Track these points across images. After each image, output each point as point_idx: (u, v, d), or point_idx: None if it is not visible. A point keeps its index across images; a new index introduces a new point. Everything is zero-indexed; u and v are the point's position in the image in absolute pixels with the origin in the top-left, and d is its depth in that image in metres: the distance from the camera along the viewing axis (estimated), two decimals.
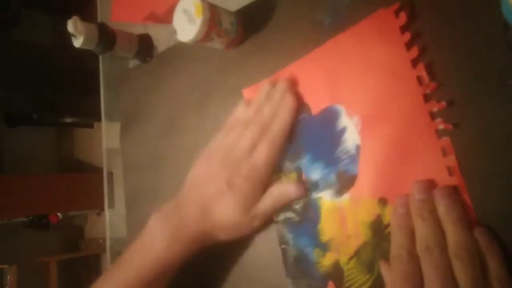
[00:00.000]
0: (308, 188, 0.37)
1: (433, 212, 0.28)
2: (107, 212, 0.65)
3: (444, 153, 0.29)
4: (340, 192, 0.35)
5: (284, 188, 0.37)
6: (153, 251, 0.36)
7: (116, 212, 0.64)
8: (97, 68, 0.70)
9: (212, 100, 0.48)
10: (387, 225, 0.32)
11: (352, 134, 0.35)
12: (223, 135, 0.40)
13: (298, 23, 0.40)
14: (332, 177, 0.36)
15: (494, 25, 0.28)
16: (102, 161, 0.67)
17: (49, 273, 2.25)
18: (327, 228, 0.35)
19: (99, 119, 0.69)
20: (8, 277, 2.08)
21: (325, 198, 0.36)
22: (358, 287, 0.33)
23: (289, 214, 0.38)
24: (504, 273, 0.26)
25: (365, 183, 0.33)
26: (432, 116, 0.30)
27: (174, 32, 0.41)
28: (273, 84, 0.40)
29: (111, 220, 0.65)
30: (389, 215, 0.32)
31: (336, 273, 0.35)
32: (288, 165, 0.39)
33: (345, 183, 0.35)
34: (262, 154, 0.37)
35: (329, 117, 0.36)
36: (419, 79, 0.31)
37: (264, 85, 0.40)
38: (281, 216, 0.38)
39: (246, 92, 0.44)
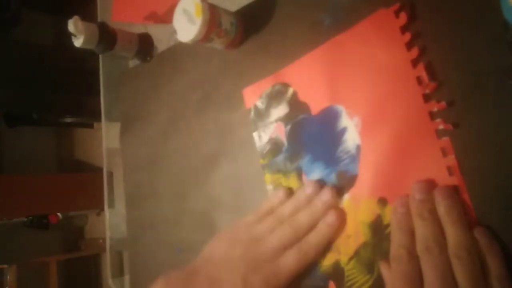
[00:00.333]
0: None
1: (433, 212, 0.28)
2: (107, 212, 0.65)
3: (444, 153, 0.29)
4: (340, 192, 0.35)
5: None
6: None
7: (116, 212, 0.64)
8: (97, 68, 0.70)
9: (212, 100, 0.48)
10: (387, 225, 0.32)
11: (352, 134, 0.35)
12: (254, 219, 0.38)
13: (298, 23, 0.40)
14: (332, 177, 0.36)
15: (494, 25, 0.28)
16: (102, 161, 0.67)
17: (49, 273, 2.25)
18: None
19: (99, 119, 0.69)
20: (8, 277, 2.08)
21: None
22: (359, 287, 0.33)
23: None
24: (504, 273, 0.26)
25: (365, 183, 0.33)
26: (432, 116, 0.30)
27: (174, 32, 0.41)
28: (317, 188, 0.36)
29: (111, 220, 0.65)
30: (389, 215, 0.32)
31: (337, 273, 0.35)
32: (288, 165, 0.39)
33: (345, 183, 0.35)
34: (290, 265, 0.34)
35: (330, 117, 0.36)
36: (419, 79, 0.31)
37: (309, 184, 0.37)
38: None
39: (246, 92, 0.44)
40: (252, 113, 0.43)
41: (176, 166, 0.51)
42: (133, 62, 0.61)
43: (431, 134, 0.30)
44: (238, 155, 0.44)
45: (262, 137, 0.42)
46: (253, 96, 0.43)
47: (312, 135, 0.38)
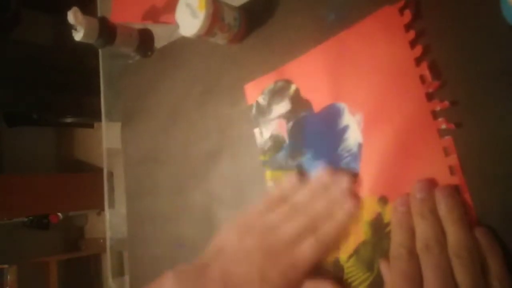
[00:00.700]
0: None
1: (434, 211, 0.28)
2: (107, 212, 0.65)
3: (446, 152, 0.29)
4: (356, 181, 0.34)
5: None
6: None
7: (116, 212, 0.64)
8: (97, 68, 0.70)
9: (213, 95, 0.48)
10: (387, 224, 0.32)
11: (354, 132, 0.35)
12: (266, 207, 0.37)
13: (301, 19, 0.40)
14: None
15: (498, 24, 0.28)
16: (102, 161, 0.67)
17: (49, 273, 2.25)
18: None
19: (99, 119, 0.69)
20: (8, 277, 2.08)
21: None
22: (358, 285, 0.33)
23: None
24: (505, 273, 0.26)
25: (366, 181, 0.33)
26: (435, 115, 0.30)
27: (177, 26, 0.41)
28: (333, 174, 0.36)
29: (111, 220, 0.65)
30: (389, 214, 0.32)
31: (336, 270, 0.35)
32: (289, 162, 0.39)
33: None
34: (307, 254, 0.32)
35: (332, 114, 0.36)
36: (422, 78, 0.31)
37: (324, 172, 0.36)
38: None
39: (248, 88, 0.44)
40: (254, 109, 0.43)
41: (176, 161, 0.51)
42: (133, 60, 0.61)
43: (433, 133, 0.30)
44: (239, 151, 0.44)
45: (263, 134, 0.42)
46: (255, 92, 0.43)
47: (314, 132, 0.38)
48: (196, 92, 0.50)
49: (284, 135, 0.40)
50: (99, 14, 0.72)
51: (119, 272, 0.63)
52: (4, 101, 1.73)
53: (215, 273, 0.33)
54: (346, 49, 0.36)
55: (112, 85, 0.68)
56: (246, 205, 0.43)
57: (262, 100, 0.42)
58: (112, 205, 0.65)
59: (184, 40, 0.52)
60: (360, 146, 0.34)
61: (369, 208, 0.33)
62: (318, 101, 0.38)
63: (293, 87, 0.39)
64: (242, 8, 0.44)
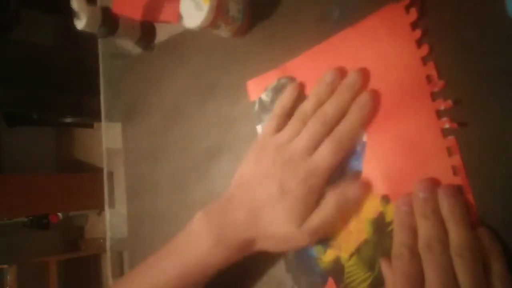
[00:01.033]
0: None
1: (436, 211, 0.28)
2: (107, 212, 0.65)
3: (449, 152, 0.29)
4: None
5: (342, 195, 0.32)
6: (195, 253, 0.34)
7: (116, 212, 0.64)
8: (97, 68, 0.70)
9: (215, 91, 0.47)
10: (389, 223, 0.32)
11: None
12: (273, 127, 0.36)
13: (305, 15, 0.39)
14: (336, 172, 0.35)
15: (503, 23, 0.28)
16: (102, 161, 0.67)
17: (49, 273, 2.25)
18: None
19: (99, 119, 0.69)
20: (8, 277, 2.08)
21: None
22: (358, 284, 0.33)
23: None
24: (506, 273, 0.25)
25: (369, 179, 0.33)
26: (439, 114, 0.30)
27: (181, 18, 0.41)
28: (339, 73, 0.34)
29: (111, 220, 0.65)
30: (392, 213, 0.31)
31: (337, 269, 0.34)
32: None
33: (349, 179, 0.34)
34: (327, 157, 0.32)
35: None
36: (428, 77, 0.31)
37: (328, 73, 0.34)
38: None
39: (250, 84, 0.43)
40: (257, 106, 0.42)
41: (177, 158, 0.51)
42: (134, 56, 0.61)
43: (437, 133, 0.30)
44: (241, 148, 0.44)
45: None
46: (258, 88, 0.43)
47: None
48: (197, 89, 0.49)
49: None
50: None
51: (119, 272, 0.63)
52: (4, 101, 1.73)
53: (239, 201, 0.34)
54: (350, 46, 0.35)
55: (112, 85, 0.68)
56: None
57: (265, 97, 0.42)
58: (112, 205, 0.65)
59: (185, 36, 0.51)
60: (363, 144, 0.34)
61: (371, 207, 0.33)
62: None
63: (301, 89, 0.39)
64: (246, 1, 0.44)
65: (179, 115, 0.51)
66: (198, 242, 0.34)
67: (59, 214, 2.43)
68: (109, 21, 0.52)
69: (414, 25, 0.32)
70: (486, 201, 0.28)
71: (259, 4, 0.43)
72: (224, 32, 0.43)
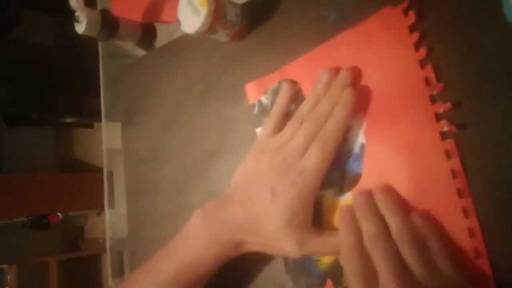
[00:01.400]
0: None
1: (376, 211, 0.30)
2: (107, 212, 0.65)
3: (448, 155, 0.29)
4: (343, 190, 0.35)
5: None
6: (190, 250, 0.35)
7: (116, 212, 0.64)
8: (97, 68, 0.70)
9: (214, 94, 0.48)
10: None
11: (357, 132, 0.34)
12: (271, 127, 0.37)
13: (303, 18, 0.40)
14: (336, 175, 0.35)
15: (500, 25, 0.28)
16: (102, 161, 0.67)
17: (49, 273, 2.25)
18: (328, 226, 0.35)
19: (99, 119, 0.69)
20: (8, 277, 2.08)
21: (328, 196, 0.36)
22: None
23: None
24: (444, 249, 0.28)
25: (368, 182, 0.33)
26: (438, 117, 0.30)
27: (178, 23, 0.41)
28: (334, 72, 0.35)
29: (111, 220, 0.65)
30: None
31: (335, 271, 0.35)
32: None
33: (348, 181, 0.34)
34: (313, 158, 0.32)
35: None
36: (427, 80, 0.31)
37: (324, 73, 0.35)
38: None
39: (249, 87, 0.44)
40: (256, 108, 0.43)
41: (177, 160, 0.51)
42: (134, 58, 0.61)
43: (435, 135, 0.30)
44: (240, 150, 0.44)
45: None
46: (257, 91, 0.43)
47: None
48: (196, 91, 0.50)
49: None
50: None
51: (119, 272, 0.63)
52: (4, 101, 1.73)
53: (235, 200, 0.35)
54: (348, 49, 0.36)
55: (112, 85, 0.68)
56: None
57: (265, 99, 0.42)
58: (112, 205, 0.65)
59: (184, 39, 0.52)
60: (363, 147, 0.34)
61: None
62: None
63: (296, 88, 0.39)
64: (244, 5, 0.44)
65: (178, 116, 0.52)
66: (193, 240, 0.35)
67: (59, 214, 2.43)
68: (109, 24, 0.52)
69: (412, 28, 0.32)
70: (486, 204, 0.28)
71: (257, 8, 0.44)
72: (222, 36, 0.43)
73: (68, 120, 2.15)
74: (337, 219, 0.35)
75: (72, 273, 2.43)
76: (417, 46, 0.31)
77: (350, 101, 0.33)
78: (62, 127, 2.53)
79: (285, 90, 0.38)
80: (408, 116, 0.31)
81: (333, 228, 0.35)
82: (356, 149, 0.34)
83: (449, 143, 0.29)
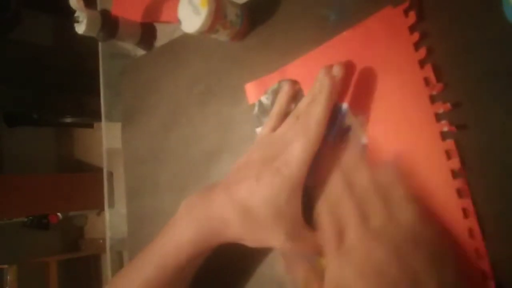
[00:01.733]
0: None
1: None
2: (107, 212, 0.65)
3: (448, 155, 0.29)
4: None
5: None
6: (173, 239, 0.35)
7: (116, 212, 0.64)
8: (97, 68, 0.70)
9: (214, 94, 0.48)
10: None
11: (357, 132, 0.34)
12: (270, 126, 0.38)
13: (303, 18, 0.40)
14: None
15: (501, 25, 0.28)
16: (102, 161, 0.67)
17: (49, 273, 2.25)
18: None
19: (99, 119, 0.69)
20: (8, 277, 2.08)
21: None
22: None
23: None
24: (405, 198, 0.29)
25: None
26: (438, 117, 0.30)
27: (179, 23, 0.41)
28: (330, 68, 0.35)
29: (111, 220, 0.65)
30: None
31: None
32: None
33: None
34: (295, 149, 0.32)
35: (334, 115, 0.36)
36: (426, 80, 0.31)
37: (321, 71, 0.35)
38: None
39: (249, 87, 0.44)
40: (256, 108, 0.43)
41: (176, 160, 0.51)
42: (133, 58, 0.61)
43: (435, 136, 0.30)
44: (240, 150, 0.44)
45: None
46: (257, 91, 0.43)
47: None
48: (196, 91, 0.50)
49: None
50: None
51: None
52: (4, 101, 1.73)
53: (219, 187, 0.35)
54: (349, 49, 0.36)
55: (112, 85, 0.68)
56: None
57: (265, 99, 0.42)
58: (112, 205, 0.65)
59: (184, 39, 0.52)
60: (364, 147, 0.34)
61: None
62: None
63: (297, 87, 0.39)
64: (245, 5, 0.44)
65: (179, 116, 0.52)
66: (175, 227, 0.36)
67: (59, 214, 2.43)
68: (109, 25, 0.52)
69: (412, 28, 0.32)
70: (486, 204, 0.28)
71: (257, 8, 0.44)
72: (222, 36, 0.43)
73: (68, 120, 2.15)
74: None
75: (72, 273, 2.43)
76: (417, 46, 0.31)
77: (328, 86, 0.33)
78: (62, 127, 2.53)
79: (285, 89, 0.39)
80: (408, 116, 0.31)
81: None
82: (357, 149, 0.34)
83: (449, 143, 0.29)
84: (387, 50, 0.33)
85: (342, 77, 0.34)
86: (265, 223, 0.32)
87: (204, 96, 0.49)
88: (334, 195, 0.31)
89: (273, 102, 0.41)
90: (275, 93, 0.41)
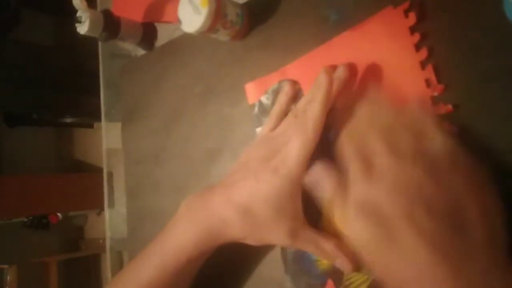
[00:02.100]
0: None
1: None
2: (107, 212, 0.65)
3: None
4: None
5: (332, 253, 0.32)
6: (173, 238, 0.35)
7: (116, 212, 0.64)
8: (97, 68, 0.70)
9: (214, 93, 0.48)
10: None
11: None
12: (270, 126, 0.38)
13: (303, 18, 0.40)
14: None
15: (501, 25, 0.28)
16: (102, 161, 0.67)
17: (49, 273, 2.25)
18: (328, 226, 0.35)
19: (99, 119, 0.69)
20: (8, 277, 2.08)
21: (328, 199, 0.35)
22: (357, 286, 0.33)
23: None
24: (440, 133, 0.27)
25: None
26: (440, 119, 0.30)
27: (179, 23, 0.41)
28: (333, 70, 0.35)
29: (111, 220, 0.65)
30: None
31: (336, 271, 0.34)
32: None
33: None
34: (292, 148, 0.32)
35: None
36: (427, 81, 0.31)
37: (322, 71, 0.34)
38: None
39: (249, 87, 0.44)
40: (256, 108, 0.43)
41: (177, 160, 0.51)
42: (134, 58, 0.61)
43: None
44: (240, 150, 0.44)
45: None
46: (257, 91, 0.43)
47: None
48: (197, 91, 0.50)
49: None
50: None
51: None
52: (4, 101, 1.73)
53: (218, 187, 0.35)
54: (349, 49, 0.36)
55: (112, 85, 0.68)
56: None
57: (265, 99, 0.42)
58: (112, 205, 0.65)
59: (185, 38, 0.52)
60: None
61: None
62: None
63: (297, 88, 0.39)
64: (245, 5, 0.44)
65: (179, 116, 0.52)
66: (175, 227, 0.36)
67: (59, 214, 2.43)
68: (111, 25, 0.52)
69: (412, 29, 0.32)
70: None
71: (258, 7, 0.44)
72: (223, 36, 0.43)
73: (68, 120, 2.16)
74: (337, 223, 0.34)
75: (72, 273, 2.43)
76: (418, 47, 0.31)
77: (326, 84, 0.32)
78: (62, 127, 2.53)
79: (286, 89, 0.39)
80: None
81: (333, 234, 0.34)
82: None
83: None
84: (387, 51, 0.33)
85: (346, 78, 0.34)
86: (266, 222, 0.32)
87: (204, 96, 0.49)
88: (356, 128, 0.30)
89: (273, 102, 0.41)
90: (275, 93, 0.41)
